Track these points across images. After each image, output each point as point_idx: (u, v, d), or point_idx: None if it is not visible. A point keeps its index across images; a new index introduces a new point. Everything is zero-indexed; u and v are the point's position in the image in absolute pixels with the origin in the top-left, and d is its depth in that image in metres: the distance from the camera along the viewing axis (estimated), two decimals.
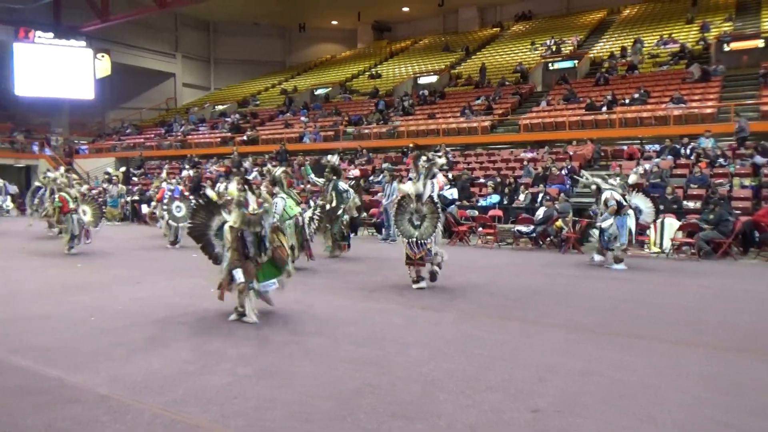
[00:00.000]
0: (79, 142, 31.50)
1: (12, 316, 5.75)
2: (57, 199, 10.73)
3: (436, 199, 7.22)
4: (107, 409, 3.42)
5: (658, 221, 11.04)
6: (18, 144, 28.30)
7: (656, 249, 10.94)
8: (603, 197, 9.21)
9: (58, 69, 29.07)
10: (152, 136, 29.45)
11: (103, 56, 30.84)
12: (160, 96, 36.49)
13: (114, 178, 19.12)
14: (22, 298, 6.67)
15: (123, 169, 20.01)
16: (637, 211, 9.28)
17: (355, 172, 18.13)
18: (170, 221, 11.74)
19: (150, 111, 35.67)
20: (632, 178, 9.72)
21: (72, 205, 10.52)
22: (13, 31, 27.75)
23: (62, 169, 12.81)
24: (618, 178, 13.48)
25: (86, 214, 10.75)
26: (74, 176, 15.28)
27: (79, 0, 27.69)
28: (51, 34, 28.89)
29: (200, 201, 5.83)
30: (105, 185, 20.03)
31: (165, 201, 11.94)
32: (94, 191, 18.50)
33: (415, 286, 7.21)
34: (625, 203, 9.13)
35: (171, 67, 36.26)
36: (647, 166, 14.06)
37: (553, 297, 6.89)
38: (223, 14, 35.36)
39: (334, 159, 10.91)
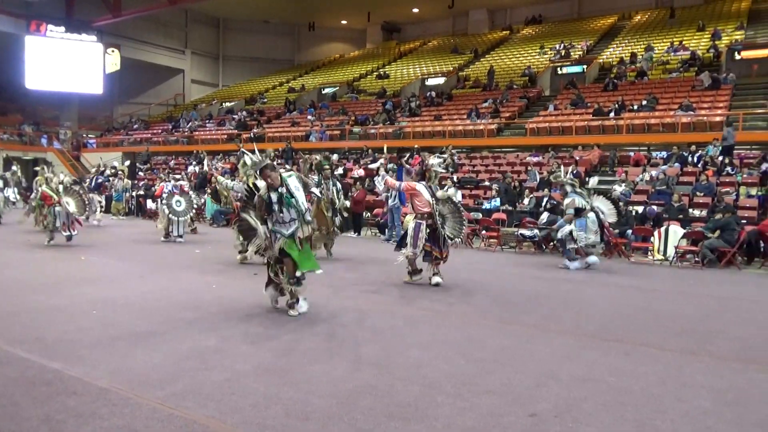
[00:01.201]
0: (87, 136, 31.67)
1: (15, 307, 5.77)
2: (39, 195, 11.00)
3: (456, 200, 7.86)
4: (106, 402, 3.42)
5: (662, 228, 11.00)
6: (27, 137, 28.44)
7: (660, 256, 10.88)
8: (565, 202, 9.59)
9: (69, 63, 29.19)
10: (159, 131, 29.56)
11: (113, 51, 30.96)
12: (168, 92, 36.62)
13: (120, 172, 19.20)
14: (25, 289, 6.70)
15: (128, 163, 20.09)
16: (600, 212, 9.63)
17: (359, 171, 18.12)
18: (171, 215, 12.02)
19: (158, 106, 35.80)
20: (592, 182, 10.20)
21: (55, 198, 10.77)
22: (25, 24, 27.88)
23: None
24: (624, 185, 13.51)
25: (70, 204, 10.96)
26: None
27: None
28: (62, 28, 29.02)
29: (248, 191, 5.91)
30: (111, 179, 20.11)
31: (165, 196, 12.21)
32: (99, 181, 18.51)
33: (433, 281, 7.45)
34: (586, 207, 9.50)
35: (180, 63, 36.38)
36: (654, 172, 14.01)
37: (555, 302, 6.86)
38: (234, 11, 35.47)
39: (318, 157, 10.81)
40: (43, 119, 31.28)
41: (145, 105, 35.43)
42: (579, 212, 9.43)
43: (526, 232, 11.99)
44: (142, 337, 4.81)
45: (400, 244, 7.83)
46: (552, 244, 11.79)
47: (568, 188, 9.70)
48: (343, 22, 38.37)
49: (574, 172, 14.72)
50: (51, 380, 3.76)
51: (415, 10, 35.60)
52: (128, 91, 34.74)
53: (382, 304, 6.40)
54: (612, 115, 17.81)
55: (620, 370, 4.25)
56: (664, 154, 15.73)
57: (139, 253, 10.40)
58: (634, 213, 12.00)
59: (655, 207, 12.06)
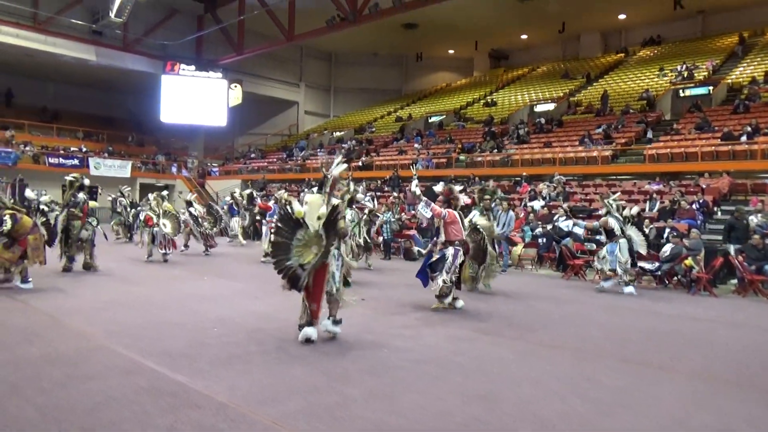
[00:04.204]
0: (211, 165, 34.33)
1: (146, 322, 6.28)
2: (143, 217, 12.27)
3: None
4: (224, 417, 3.59)
5: None
6: (160, 165, 31.45)
7: None
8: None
9: (197, 98, 32.05)
10: (275, 159, 31.32)
11: (235, 86, 33.54)
12: (284, 123, 38.83)
13: (239, 198, 20.47)
14: (154, 306, 7.29)
15: (248, 191, 21.36)
16: (630, 241, 10.04)
17: (466, 199, 17.94)
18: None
19: (274, 137, 38.05)
20: (627, 211, 10.55)
21: (155, 220, 12.04)
22: (161, 64, 31.10)
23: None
24: (760, 215, 12.29)
25: (167, 227, 12.11)
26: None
27: (217, 36, 30.50)
28: (193, 67, 32.01)
29: (285, 213, 5.73)
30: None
31: (268, 218, 13.00)
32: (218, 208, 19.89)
33: (459, 304, 7.65)
34: (618, 232, 9.95)
35: (295, 95, 38.53)
36: None
37: (681, 342, 6.30)
38: (345, 46, 37.07)
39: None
40: (173, 149, 34.44)
41: (263, 135, 37.79)
42: (611, 236, 10.04)
43: (647, 265, 11.19)
44: (257, 355, 5.02)
45: (434, 268, 7.55)
46: (676, 278, 10.94)
47: (603, 211, 10.49)
48: (451, 51, 38.73)
49: (701, 201, 13.68)
50: (176, 392, 4.03)
51: (524, 37, 35.17)
52: (247, 122, 37.33)
53: (490, 336, 6.22)
54: (744, 139, 16.33)
55: (762, 422, 3.80)
56: None
57: (252, 274, 10.95)
58: None
59: None
